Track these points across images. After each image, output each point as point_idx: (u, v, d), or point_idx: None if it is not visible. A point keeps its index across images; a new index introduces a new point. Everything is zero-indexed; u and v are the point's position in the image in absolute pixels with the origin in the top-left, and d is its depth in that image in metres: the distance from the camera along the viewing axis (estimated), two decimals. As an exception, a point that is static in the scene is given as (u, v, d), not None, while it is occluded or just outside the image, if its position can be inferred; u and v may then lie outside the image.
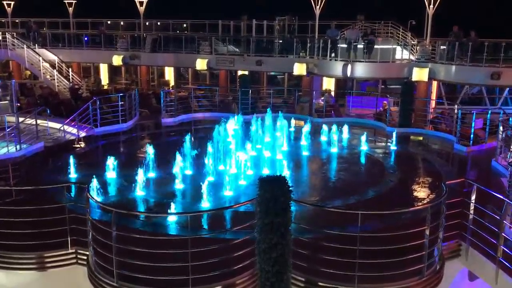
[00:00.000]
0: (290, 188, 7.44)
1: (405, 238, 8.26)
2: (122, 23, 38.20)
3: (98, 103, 17.36)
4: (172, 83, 32.13)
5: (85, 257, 8.78)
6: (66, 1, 35.31)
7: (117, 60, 29.80)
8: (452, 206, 9.13)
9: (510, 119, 14.82)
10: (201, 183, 11.00)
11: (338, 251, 8.04)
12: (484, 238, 8.84)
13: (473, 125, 16.03)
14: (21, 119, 15.57)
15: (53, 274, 8.88)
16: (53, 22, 36.92)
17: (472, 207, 9.14)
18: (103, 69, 33.51)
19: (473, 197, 9.12)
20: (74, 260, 8.94)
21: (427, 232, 8.11)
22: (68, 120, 17.11)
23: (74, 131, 16.88)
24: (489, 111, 17.20)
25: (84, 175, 12.37)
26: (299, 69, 24.91)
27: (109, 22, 37.67)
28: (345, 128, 17.39)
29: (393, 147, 16.33)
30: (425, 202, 11.27)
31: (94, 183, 11.32)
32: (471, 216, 9.15)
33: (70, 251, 8.90)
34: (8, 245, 8.79)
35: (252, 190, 9.07)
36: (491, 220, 8.92)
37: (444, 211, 8.56)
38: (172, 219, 9.97)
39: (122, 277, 7.89)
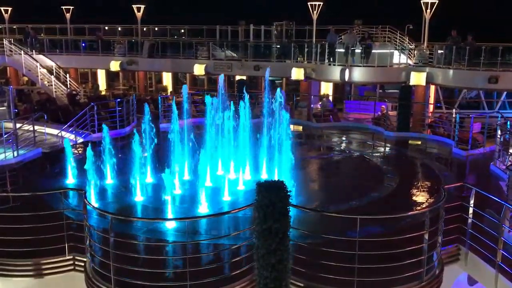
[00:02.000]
0: (289, 193, 7.42)
1: (404, 242, 8.22)
2: (119, 28, 38.27)
3: (95, 108, 17.33)
4: (170, 88, 32.14)
5: (82, 264, 8.71)
6: (63, 7, 35.35)
7: (114, 65, 29.81)
8: (451, 210, 9.12)
9: (508, 123, 14.83)
10: (199, 188, 10.97)
11: (337, 256, 8.00)
12: (483, 242, 8.82)
13: (471, 129, 16.05)
14: (18, 125, 15.53)
15: (51, 281, 8.81)
16: (51, 28, 37.01)
17: (471, 211, 9.13)
18: (101, 75, 33.52)
19: (472, 201, 9.10)
20: (72, 267, 8.88)
21: (426, 236, 8.08)
22: (66, 126, 17.07)
23: (72, 137, 16.83)
24: (487, 115, 17.22)
25: (81, 181, 12.33)
26: (297, 74, 24.94)
27: (106, 27, 37.73)
28: (343, 133, 17.40)
29: (391, 151, 16.32)
30: (424, 206, 11.25)
31: (92, 189, 11.30)
32: (470, 220, 9.13)
33: (67, 257, 8.84)
34: (5, 251, 8.74)
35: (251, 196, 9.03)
36: (490, 224, 8.90)
37: (443, 215, 8.53)
38: (170, 224, 9.93)
39: (120, 283, 7.82)
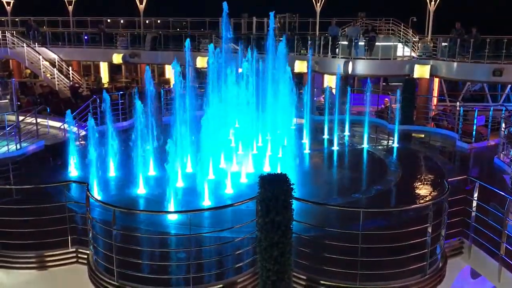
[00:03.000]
0: (291, 186, 7.39)
1: (407, 236, 8.21)
2: (122, 21, 38.18)
3: (98, 101, 17.29)
4: (172, 81, 32.05)
5: (85, 256, 8.73)
6: (66, 0, 35.27)
7: (117, 58, 29.75)
8: (454, 203, 9.08)
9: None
10: (202, 181, 10.96)
11: (340, 249, 7.99)
12: (487, 235, 8.79)
13: (475, 122, 15.97)
14: (21, 118, 15.53)
15: (54, 273, 8.83)
16: (53, 20, 36.93)
17: (474, 205, 9.09)
18: (103, 68, 33.48)
19: (476, 195, 9.06)
20: (75, 259, 8.89)
21: (429, 229, 8.05)
22: (68, 118, 17.02)
23: (74, 129, 16.81)
24: (491, 108, 17.12)
25: (84, 174, 12.33)
26: (300, 66, 24.83)
27: (108, 20, 37.64)
28: (347, 126, 17.36)
29: (395, 144, 16.27)
30: (427, 199, 11.21)
31: (95, 181, 11.30)
32: (473, 214, 9.10)
33: (70, 250, 8.86)
34: (8, 244, 8.76)
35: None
36: (493, 218, 8.87)
37: (446, 208, 8.50)
38: (173, 217, 9.93)
39: (122, 276, 7.83)
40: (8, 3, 36.28)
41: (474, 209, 9.09)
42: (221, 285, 7.80)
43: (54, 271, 8.82)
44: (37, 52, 29.25)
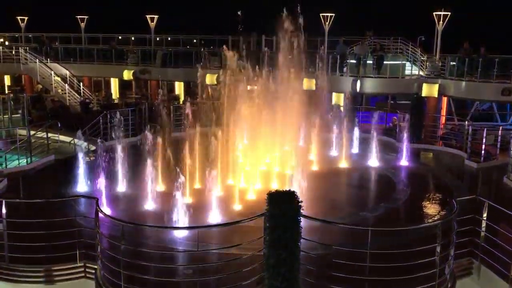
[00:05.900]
0: (300, 203, 7.41)
1: (415, 255, 8.16)
2: (133, 38, 38.65)
3: (108, 116, 17.46)
4: (182, 97, 32.30)
5: (93, 271, 8.76)
6: (78, 17, 35.84)
7: (127, 74, 30.08)
8: (463, 223, 9.03)
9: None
10: (210, 197, 10.98)
11: (347, 267, 7.95)
12: (496, 256, 8.72)
13: (484, 141, 15.91)
14: (32, 132, 15.71)
15: (61, 288, 8.86)
16: (65, 37, 37.48)
17: (483, 224, 9.04)
18: (114, 84, 33.80)
19: (485, 214, 9.02)
20: (83, 274, 8.93)
21: (438, 249, 8.02)
22: (79, 133, 17.19)
23: (85, 144, 16.96)
24: (500, 127, 17.06)
25: (93, 189, 12.40)
26: (308, 84, 24.90)
27: (120, 37, 38.11)
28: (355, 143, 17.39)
29: (403, 163, 16.24)
30: (435, 218, 11.15)
31: (104, 196, 11.37)
32: (482, 234, 9.04)
33: (78, 264, 8.90)
34: (16, 258, 8.81)
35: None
36: (503, 238, 8.80)
37: (455, 228, 8.46)
38: (180, 233, 9.93)
39: (130, 291, 7.85)
40: (22, 20, 36.93)
41: (483, 229, 9.04)
42: (228, 302, 7.79)
43: (62, 286, 8.84)
44: (49, 67, 29.63)
